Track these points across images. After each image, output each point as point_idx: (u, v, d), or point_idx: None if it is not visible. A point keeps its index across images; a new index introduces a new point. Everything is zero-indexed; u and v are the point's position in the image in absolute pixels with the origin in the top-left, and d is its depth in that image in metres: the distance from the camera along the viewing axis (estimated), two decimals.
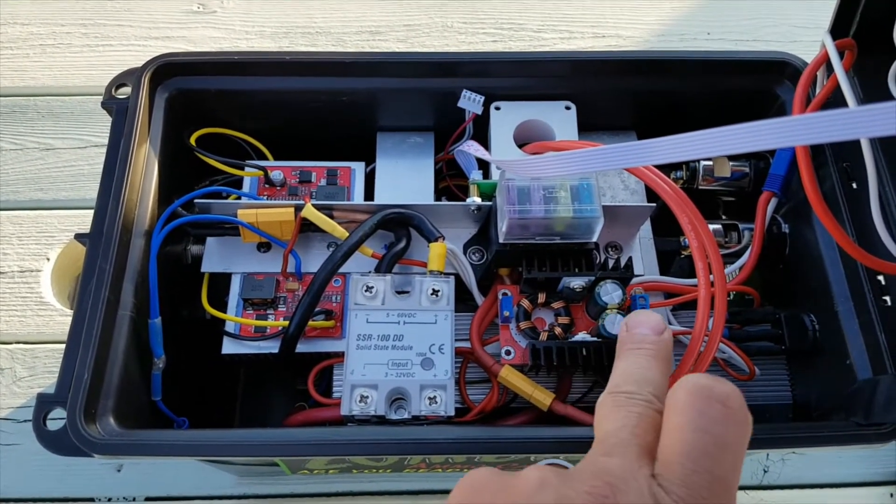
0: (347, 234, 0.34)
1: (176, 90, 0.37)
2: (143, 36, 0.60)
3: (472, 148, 0.38)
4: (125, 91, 0.36)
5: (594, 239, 0.32)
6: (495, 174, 0.37)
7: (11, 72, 0.58)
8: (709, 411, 0.19)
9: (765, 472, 0.45)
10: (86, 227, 0.33)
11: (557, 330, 0.33)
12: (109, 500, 0.45)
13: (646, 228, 0.37)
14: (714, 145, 0.25)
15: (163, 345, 0.33)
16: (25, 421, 0.47)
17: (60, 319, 0.50)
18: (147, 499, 0.45)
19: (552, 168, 0.31)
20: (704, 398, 0.20)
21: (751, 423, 0.20)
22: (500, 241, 0.33)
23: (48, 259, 0.52)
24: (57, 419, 0.29)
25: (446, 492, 0.45)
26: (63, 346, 0.48)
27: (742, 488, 0.45)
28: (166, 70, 0.36)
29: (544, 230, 0.32)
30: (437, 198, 0.41)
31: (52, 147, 0.56)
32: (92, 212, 0.51)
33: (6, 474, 0.45)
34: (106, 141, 0.55)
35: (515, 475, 0.19)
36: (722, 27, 0.61)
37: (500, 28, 0.60)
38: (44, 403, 0.29)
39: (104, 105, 0.36)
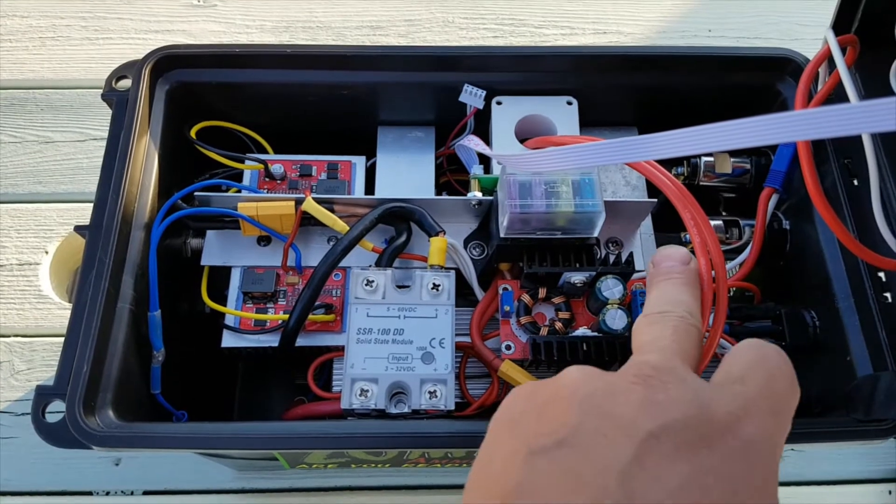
0: (348, 228, 0.34)
1: (176, 83, 0.37)
2: (142, 29, 0.60)
3: (472, 142, 0.38)
4: (125, 83, 0.36)
5: (595, 234, 0.32)
6: (496, 169, 0.37)
7: (11, 64, 0.58)
8: (766, 346, 0.20)
9: None
10: (85, 220, 0.33)
11: (558, 325, 0.33)
12: (107, 493, 0.45)
13: (646, 224, 0.37)
14: (716, 140, 0.25)
15: (162, 338, 0.33)
16: (23, 414, 0.47)
17: (59, 313, 0.50)
18: (145, 492, 0.45)
19: (552, 163, 0.31)
20: (760, 342, 0.20)
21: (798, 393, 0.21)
22: (502, 235, 0.32)
23: (47, 252, 0.52)
24: (56, 412, 0.29)
25: (445, 487, 0.45)
26: (61, 339, 0.48)
27: None
28: (167, 62, 0.36)
29: (545, 225, 0.32)
30: (438, 192, 0.41)
31: (51, 140, 0.55)
32: (91, 205, 0.51)
33: (4, 467, 0.45)
34: (105, 134, 0.55)
35: (556, 377, 0.19)
36: (723, 24, 0.61)
37: (502, 24, 0.60)
38: (43, 396, 0.29)
39: (104, 97, 0.36)
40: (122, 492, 0.45)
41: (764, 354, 0.20)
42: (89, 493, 0.45)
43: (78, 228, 0.33)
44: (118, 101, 0.35)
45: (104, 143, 0.56)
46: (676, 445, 0.16)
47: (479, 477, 0.18)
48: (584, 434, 0.17)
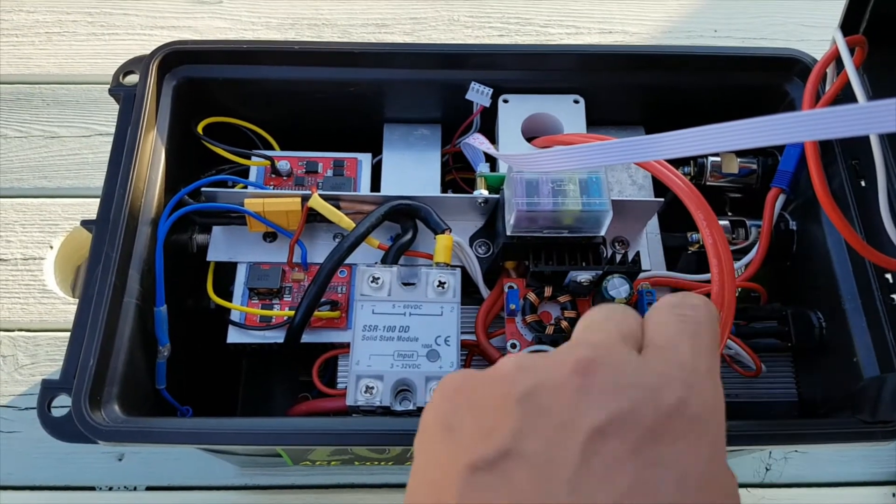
0: (354, 225, 0.34)
1: (184, 78, 0.37)
2: (148, 25, 0.60)
3: (477, 141, 0.38)
4: (133, 78, 0.36)
5: (602, 233, 0.32)
6: (503, 167, 0.37)
7: (17, 59, 0.58)
8: (684, 304, 0.19)
9: (767, 470, 0.45)
10: (89, 215, 0.33)
11: (563, 324, 0.33)
12: (110, 488, 0.45)
13: (652, 224, 0.37)
14: (722, 140, 0.25)
15: (168, 333, 0.33)
16: (27, 409, 0.47)
17: (63, 307, 0.50)
18: (148, 488, 0.45)
19: (558, 162, 0.31)
20: (678, 300, 0.19)
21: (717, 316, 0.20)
22: (508, 233, 0.32)
23: (51, 247, 0.52)
24: (61, 407, 0.29)
25: None
26: (65, 334, 0.48)
27: (744, 486, 0.45)
28: (174, 58, 0.36)
29: (552, 223, 0.32)
30: (443, 190, 0.41)
31: (56, 135, 0.55)
32: (96, 200, 0.51)
33: (7, 462, 0.45)
34: (110, 130, 0.56)
35: (491, 369, 0.18)
36: (729, 24, 0.60)
37: (507, 22, 0.60)
38: (48, 390, 0.29)
39: (112, 92, 0.36)
40: (124, 487, 0.45)
41: (683, 315, 0.18)
42: (92, 489, 0.45)
43: (85, 223, 0.33)
44: (125, 97, 0.35)
45: (110, 139, 0.56)
46: (623, 440, 0.15)
47: (419, 484, 0.17)
48: (527, 440, 0.16)
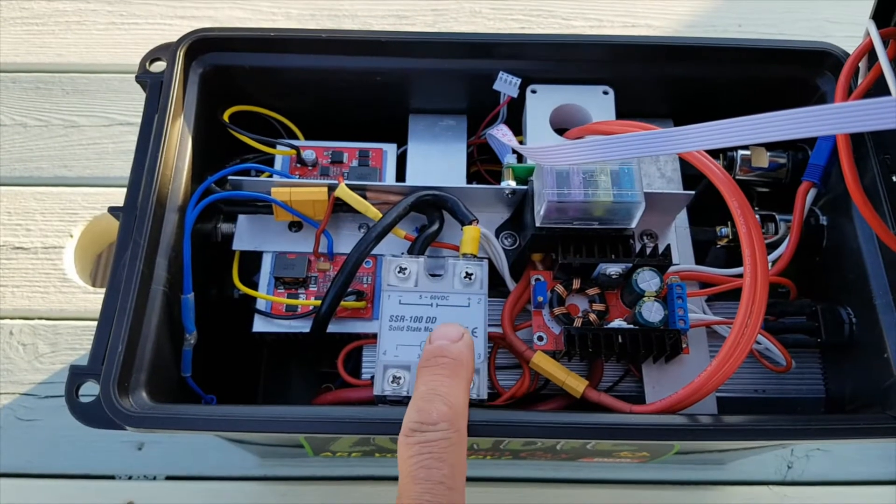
0: (380, 215, 0.34)
1: (210, 66, 0.37)
2: (168, 15, 0.60)
3: (500, 133, 0.38)
4: (159, 66, 0.36)
5: (633, 225, 0.32)
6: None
7: (37, 48, 0.58)
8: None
9: (789, 468, 0.45)
10: (110, 203, 0.33)
11: (592, 316, 0.33)
12: (130, 477, 0.45)
13: (681, 217, 0.37)
14: (754, 132, 0.25)
15: (195, 321, 0.33)
16: (47, 397, 0.47)
17: (83, 296, 0.50)
18: (168, 477, 0.45)
19: (581, 155, 0.30)
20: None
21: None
22: (537, 224, 0.32)
23: (71, 236, 0.52)
24: (86, 395, 0.29)
25: (467, 479, 0.45)
26: (85, 322, 0.49)
27: (765, 484, 0.45)
28: (201, 45, 0.36)
29: (583, 214, 0.32)
30: (468, 182, 0.40)
31: (76, 124, 0.55)
32: (116, 189, 0.51)
33: (27, 450, 0.45)
34: (130, 119, 0.56)
35: None
36: (753, 19, 0.60)
37: (529, 15, 0.60)
38: (76, 376, 0.29)
39: (138, 79, 0.35)
40: (144, 476, 0.45)
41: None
42: (112, 477, 0.45)
43: (112, 209, 0.33)
44: (152, 84, 0.35)
45: (129, 128, 0.56)
46: None
47: None
48: None
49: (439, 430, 0.24)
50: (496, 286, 0.35)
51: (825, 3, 0.61)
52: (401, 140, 0.40)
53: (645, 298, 0.31)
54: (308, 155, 0.38)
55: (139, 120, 0.34)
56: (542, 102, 0.37)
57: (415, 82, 0.39)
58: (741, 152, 0.38)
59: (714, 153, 0.37)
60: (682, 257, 0.36)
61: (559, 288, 0.33)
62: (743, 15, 0.60)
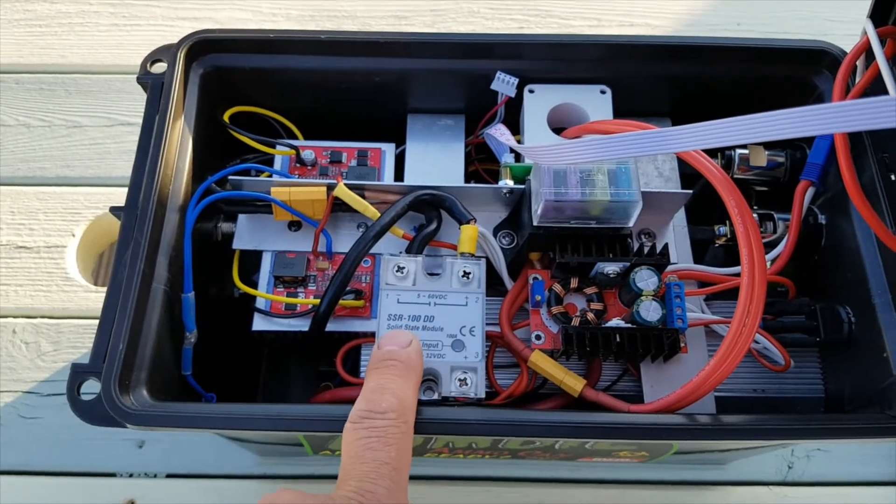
0: (379, 215, 0.34)
1: (211, 67, 0.37)
2: (170, 16, 0.60)
3: (498, 132, 0.38)
4: (160, 67, 0.36)
5: (631, 224, 0.32)
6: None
7: (40, 49, 0.59)
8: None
9: (789, 468, 0.45)
10: (112, 203, 0.33)
11: (590, 315, 0.33)
12: (131, 475, 0.45)
13: (679, 216, 0.37)
14: (749, 132, 0.25)
15: (195, 320, 0.33)
16: (49, 395, 0.47)
17: (85, 295, 0.50)
18: (168, 475, 0.45)
19: (579, 155, 0.30)
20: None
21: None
22: (535, 223, 0.32)
23: (74, 235, 0.52)
24: (88, 394, 0.30)
25: (464, 478, 0.45)
26: (87, 321, 0.49)
27: (766, 484, 0.45)
28: (202, 46, 0.36)
29: (580, 213, 0.32)
30: (466, 182, 0.41)
31: (79, 125, 0.56)
32: (118, 189, 0.51)
33: (28, 448, 0.46)
34: (132, 119, 0.56)
35: None
36: (752, 18, 0.60)
37: (528, 15, 0.60)
38: (78, 374, 0.30)
39: (139, 80, 0.36)
40: (145, 474, 0.45)
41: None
42: (113, 475, 0.45)
43: (113, 209, 0.33)
44: (153, 85, 0.35)
45: (131, 129, 0.56)
46: None
47: None
48: None
49: (388, 418, 0.25)
50: (494, 285, 0.35)
51: (824, 1, 0.61)
52: (399, 140, 0.40)
53: (643, 297, 0.31)
54: (307, 155, 0.38)
55: (141, 120, 0.34)
56: (539, 102, 0.38)
57: (413, 82, 0.39)
58: (739, 151, 0.38)
59: (712, 152, 0.37)
60: (680, 256, 0.36)
61: (557, 287, 0.33)
62: (741, 14, 0.60)
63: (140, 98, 0.36)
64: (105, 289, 0.32)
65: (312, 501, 0.22)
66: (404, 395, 0.26)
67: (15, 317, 0.49)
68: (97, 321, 0.30)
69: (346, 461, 0.24)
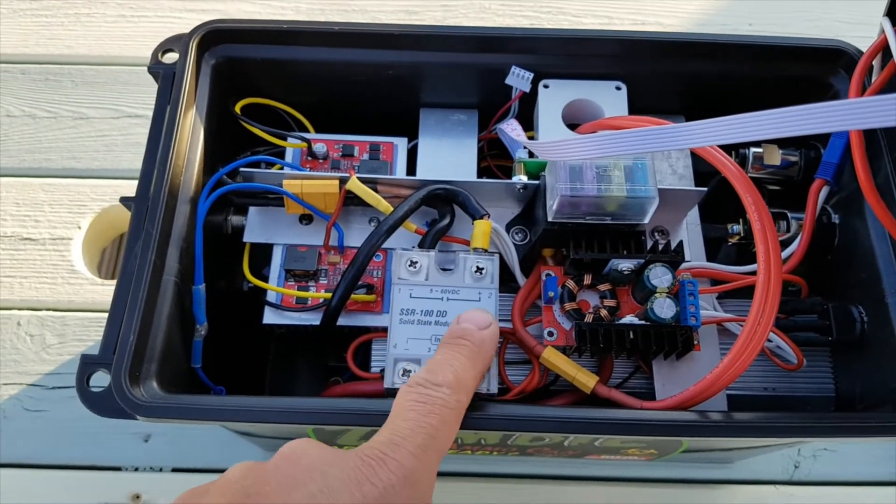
0: (391, 209, 0.34)
1: (223, 57, 0.37)
2: (177, 8, 0.60)
3: (509, 128, 0.37)
4: (172, 56, 0.35)
5: (646, 220, 0.32)
6: None
7: (46, 40, 0.58)
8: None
9: (795, 467, 0.45)
10: (118, 195, 0.33)
11: (603, 312, 0.33)
12: (136, 469, 0.45)
13: (693, 214, 0.37)
14: (765, 127, 0.25)
15: (205, 312, 0.33)
16: (54, 388, 0.47)
17: (91, 288, 0.50)
18: (174, 469, 0.45)
19: (590, 150, 0.30)
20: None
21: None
22: (550, 219, 0.32)
23: (80, 227, 0.52)
24: (97, 387, 0.29)
25: (471, 475, 0.45)
26: (93, 314, 0.49)
27: (772, 483, 0.45)
28: (214, 37, 0.36)
29: (595, 209, 0.31)
30: (478, 177, 0.40)
31: (85, 116, 0.55)
32: (125, 181, 0.51)
33: (33, 440, 0.45)
34: (139, 111, 0.56)
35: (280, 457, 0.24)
36: (764, 18, 0.60)
37: (539, 11, 0.60)
38: (88, 365, 0.29)
39: (150, 70, 0.35)
40: (150, 468, 0.45)
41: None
42: (118, 469, 0.45)
43: (123, 200, 0.33)
44: (164, 75, 0.35)
45: (138, 120, 0.56)
46: None
47: None
48: None
49: (441, 391, 0.25)
50: (506, 281, 0.35)
51: (836, 3, 0.60)
52: (411, 134, 0.40)
53: (657, 295, 0.31)
54: (319, 148, 0.38)
55: (148, 112, 0.34)
56: (554, 97, 0.37)
57: (426, 76, 0.38)
58: (753, 150, 0.37)
59: (726, 150, 0.37)
60: (694, 254, 0.36)
61: (570, 283, 0.33)
62: (753, 13, 0.60)
63: (147, 89, 0.35)
64: (111, 281, 0.31)
65: (332, 451, 0.23)
66: (465, 376, 0.26)
67: (20, 309, 0.49)
68: (103, 314, 0.30)
69: (390, 418, 0.25)
